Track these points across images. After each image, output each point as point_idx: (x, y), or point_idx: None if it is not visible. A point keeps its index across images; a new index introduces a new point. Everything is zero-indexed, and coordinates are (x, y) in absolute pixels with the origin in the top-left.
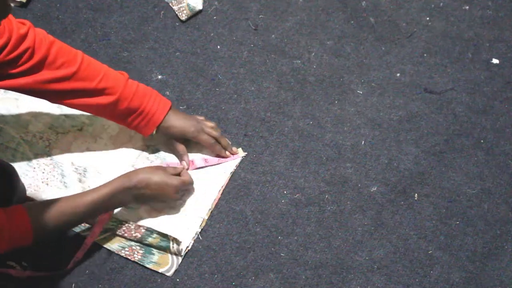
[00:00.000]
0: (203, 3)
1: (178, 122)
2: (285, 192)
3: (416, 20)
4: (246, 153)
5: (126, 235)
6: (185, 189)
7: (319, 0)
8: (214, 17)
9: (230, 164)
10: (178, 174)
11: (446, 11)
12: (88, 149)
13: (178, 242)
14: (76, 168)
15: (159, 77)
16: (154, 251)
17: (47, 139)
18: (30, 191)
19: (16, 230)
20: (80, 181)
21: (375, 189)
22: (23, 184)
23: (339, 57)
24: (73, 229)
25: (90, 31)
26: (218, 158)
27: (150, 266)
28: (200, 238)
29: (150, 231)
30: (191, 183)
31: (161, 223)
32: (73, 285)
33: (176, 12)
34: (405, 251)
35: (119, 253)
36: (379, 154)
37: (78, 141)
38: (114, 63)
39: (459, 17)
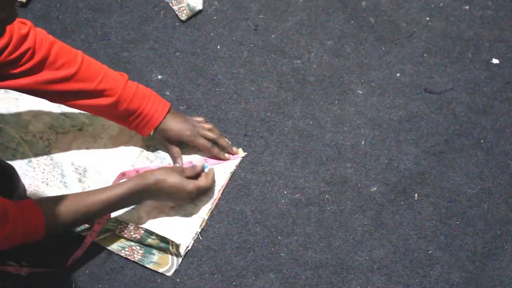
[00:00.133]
0: (203, 3)
1: (175, 125)
2: (285, 192)
3: (416, 20)
4: (246, 153)
5: (125, 235)
6: (200, 193)
7: (319, 0)
8: (214, 17)
9: (230, 164)
10: (196, 175)
11: (446, 11)
12: (88, 149)
13: (177, 245)
14: (76, 168)
15: (159, 77)
16: (154, 251)
17: (47, 139)
18: (30, 191)
19: (30, 225)
20: (80, 181)
21: (375, 189)
22: (23, 184)
23: (339, 57)
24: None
25: (90, 31)
26: (217, 160)
27: (150, 266)
28: (200, 238)
29: (149, 232)
30: (207, 187)
31: (160, 225)
32: (73, 285)
33: (176, 12)
34: (405, 251)
35: (119, 253)
36: (379, 154)
37: (78, 141)
38: (114, 63)
39: (459, 17)
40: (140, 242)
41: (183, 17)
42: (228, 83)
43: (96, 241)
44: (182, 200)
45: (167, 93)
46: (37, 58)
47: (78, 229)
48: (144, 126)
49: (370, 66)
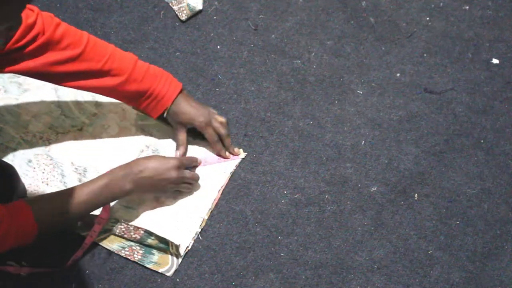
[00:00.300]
0: (203, 3)
1: (189, 109)
2: (285, 192)
3: (416, 20)
4: (246, 153)
5: (125, 235)
6: (183, 166)
7: (319, 0)
8: (214, 17)
9: (230, 164)
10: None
11: (446, 11)
12: (88, 149)
13: (176, 245)
14: (76, 168)
15: None
16: (154, 251)
17: (47, 139)
18: (30, 191)
19: (22, 225)
20: (80, 181)
21: (375, 189)
22: (23, 184)
23: (339, 57)
24: (73, 229)
25: (90, 31)
26: (217, 158)
27: (150, 266)
28: (200, 238)
29: (149, 233)
30: (191, 160)
31: (160, 225)
32: (73, 285)
33: (176, 12)
34: (405, 251)
35: (119, 253)
36: (379, 154)
37: (78, 141)
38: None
39: (459, 17)
40: (140, 242)
41: (183, 17)
42: (228, 83)
43: (96, 241)
44: (169, 179)
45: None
46: (42, 39)
47: (78, 229)
48: (155, 107)
49: (370, 66)
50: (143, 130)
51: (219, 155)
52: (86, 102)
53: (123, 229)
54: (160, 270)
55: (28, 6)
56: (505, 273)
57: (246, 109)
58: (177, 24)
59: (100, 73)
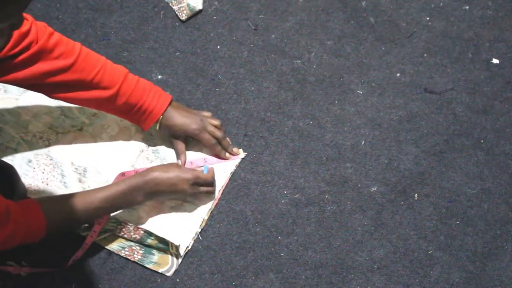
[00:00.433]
0: (203, 3)
1: (180, 120)
2: (285, 192)
3: (416, 20)
4: (246, 153)
5: (125, 236)
6: (198, 183)
7: (319, 0)
8: (214, 17)
9: (230, 164)
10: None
11: (446, 11)
12: (88, 149)
13: (176, 246)
14: (76, 168)
15: (159, 77)
16: (154, 251)
17: (47, 139)
18: (30, 191)
19: (31, 225)
20: (80, 181)
21: (375, 189)
22: (23, 184)
23: (339, 57)
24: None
25: (90, 31)
26: (217, 158)
27: (150, 266)
28: (200, 238)
29: (149, 233)
30: (206, 180)
31: (160, 225)
32: (73, 285)
33: (176, 12)
34: (405, 251)
35: (119, 253)
36: (379, 154)
37: (78, 141)
38: (114, 63)
39: (459, 17)
40: (140, 242)
41: (183, 17)
42: (228, 83)
43: (96, 241)
44: (182, 193)
45: (167, 93)
46: (36, 48)
47: (78, 229)
48: (145, 120)
49: (370, 66)
50: (143, 130)
51: (218, 157)
52: None
53: (123, 229)
54: (160, 270)
55: (23, 14)
56: (505, 273)
57: (246, 109)
58: (177, 24)
59: (90, 84)
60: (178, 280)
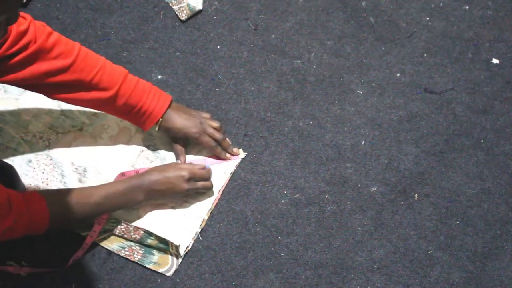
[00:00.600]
0: (203, 3)
1: (179, 122)
2: (285, 192)
3: (416, 20)
4: (246, 153)
5: (125, 236)
6: (195, 179)
7: (319, 0)
8: (214, 17)
9: (230, 164)
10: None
11: (446, 11)
12: (88, 149)
13: (176, 246)
14: (76, 168)
15: (159, 77)
16: (154, 251)
17: (47, 139)
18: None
19: (34, 215)
20: (80, 181)
21: (375, 189)
22: (23, 184)
23: (339, 57)
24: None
25: (90, 31)
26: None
27: (150, 266)
28: (200, 238)
29: (149, 233)
30: (202, 175)
31: (160, 225)
32: (73, 285)
33: (176, 12)
34: (405, 251)
35: (119, 253)
36: (379, 154)
37: (78, 141)
38: (114, 63)
39: (459, 17)
40: (140, 242)
41: (183, 17)
42: (228, 83)
43: (96, 241)
44: (181, 191)
45: (167, 93)
46: (34, 47)
47: (78, 229)
48: (145, 122)
49: (370, 66)
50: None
51: (219, 158)
52: None
53: (123, 229)
54: (160, 270)
55: (21, 14)
56: (505, 273)
57: (246, 109)
58: (177, 24)
59: (89, 85)
60: (178, 280)
